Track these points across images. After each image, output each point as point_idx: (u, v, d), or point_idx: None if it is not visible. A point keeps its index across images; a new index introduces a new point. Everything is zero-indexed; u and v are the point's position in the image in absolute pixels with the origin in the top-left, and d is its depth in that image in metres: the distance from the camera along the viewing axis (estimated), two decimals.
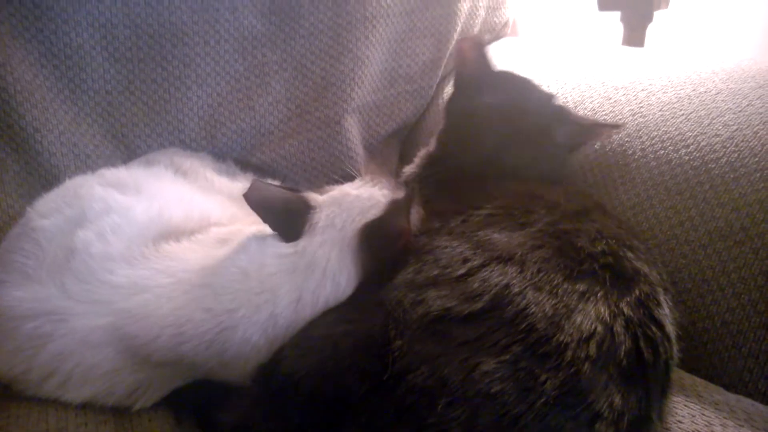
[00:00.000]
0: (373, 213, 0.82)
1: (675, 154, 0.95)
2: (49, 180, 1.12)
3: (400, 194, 0.86)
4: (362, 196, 0.85)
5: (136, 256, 0.81)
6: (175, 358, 0.77)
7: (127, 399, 0.79)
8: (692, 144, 0.95)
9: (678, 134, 0.97)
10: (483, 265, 0.67)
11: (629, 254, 0.71)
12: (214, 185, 1.09)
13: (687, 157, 0.94)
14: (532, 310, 0.61)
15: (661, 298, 0.70)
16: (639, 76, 1.11)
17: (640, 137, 1.00)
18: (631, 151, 1.00)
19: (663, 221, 0.93)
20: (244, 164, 1.26)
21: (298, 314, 0.76)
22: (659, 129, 0.99)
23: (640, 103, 1.05)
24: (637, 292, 0.67)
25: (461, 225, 0.76)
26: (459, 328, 0.62)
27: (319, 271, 0.78)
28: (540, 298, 0.63)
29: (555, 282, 0.64)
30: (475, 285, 0.65)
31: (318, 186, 1.01)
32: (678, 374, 0.80)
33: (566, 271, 0.66)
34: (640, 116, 1.03)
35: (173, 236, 0.86)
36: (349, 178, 1.35)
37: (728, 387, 0.81)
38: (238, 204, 1.05)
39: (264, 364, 0.73)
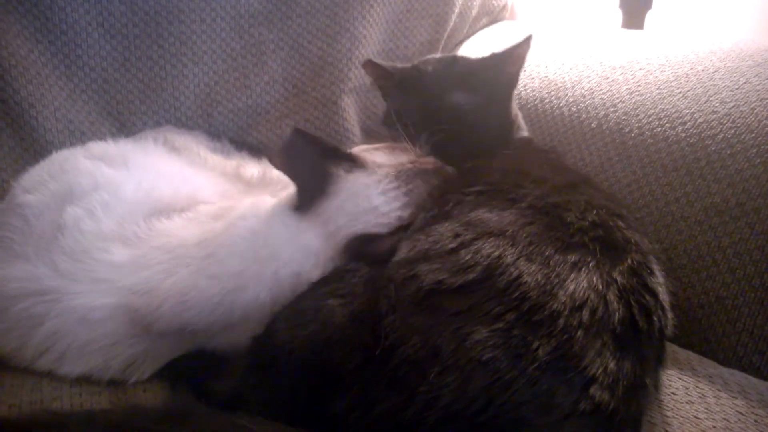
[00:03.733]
0: (377, 227, 0.80)
1: (672, 132, 0.95)
2: (44, 156, 1.10)
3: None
4: (379, 210, 0.80)
5: (129, 235, 0.81)
6: (179, 326, 0.77)
7: (123, 373, 0.79)
8: (689, 121, 0.94)
9: (675, 112, 0.96)
10: (475, 239, 0.66)
11: (620, 223, 0.71)
12: (207, 162, 1.08)
13: (684, 134, 0.94)
14: (525, 279, 0.61)
15: (654, 266, 0.70)
16: (637, 55, 1.11)
17: (638, 115, 1.00)
18: (627, 129, 1.00)
19: (659, 198, 0.93)
20: (239, 143, 1.25)
21: (299, 280, 0.76)
22: (656, 107, 0.99)
23: (637, 82, 1.04)
24: (629, 261, 0.66)
25: (455, 207, 0.76)
26: (451, 300, 0.62)
27: (312, 257, 0.78)
28: (532, 269, 0.62)
29: (546, 253, 0.64)
30: (468, 257, 0.64)
31: None
32: (672, 349, 0.80)
33: (557, 244, 0.65)
34: (638, 95, 1.02)
35: (164, 213, 0.85)
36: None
37: (722, 362, 0.82)
38: (232, 181, 1.05)
39: (257, 335, 0.72)
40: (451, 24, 1.42)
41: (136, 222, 0.83)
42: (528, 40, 0.96)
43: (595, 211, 0.71)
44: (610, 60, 1.13)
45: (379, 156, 0.88)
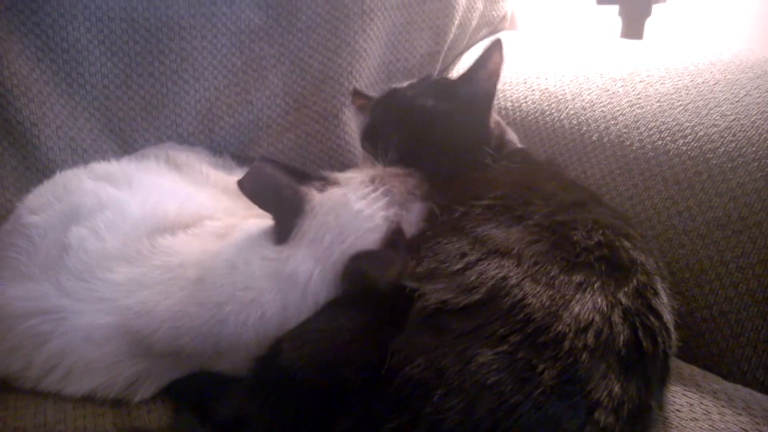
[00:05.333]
0: (371, 239, 0.78)
1: (673, 145, 0.95)
2: (46, 174, 1.11)
3: (414, 207, 0.83)
4: (363, 214, 0.79)
5: (132, 253, 0.81)
6: (175, 349, 0.77)
7: (127, 391, 0.79)
8: (690, 134, 0.94)
9: (676, 125, 0.97)
10: (480, 259, 0.67)
11: (626, 243, 0.71)
12: (210, 179, 1.08)
13: (685, 148, 0.94)
14: (530, 301, 0.61)
15: (659, 287, 0.70)
16: (637, 67, 1.11)
17: (638, 128, 1.00)
18: (628, 143, 1.00)
19: (661, 212, 0.93)
20: (241, 158, 1.26)
21: (286, 319, 0.75)
22: (657, 120, 0.99)
23: (638, 94, 1.05)
24: (634, 282, 0.66)
25: (462, 218, 0.76)
26: (456, 320, 0.62)
27: (299, 287, 0.76)
28: (537, 290, 0.62)
29: (552, 274, 0.64)
30: (473, 277, 0.65)
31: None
32: (676, 364, 0.80)
33: (563, 264, 0.66)
34: (638, 107, 1.03)
35: (168, 230, 0.86)
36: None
37: (726, 377, 0.82)
38: (234, 197, 1.05)
39: (261, 355, 0.72)
40: (451, 36, 1.43)
41: (140, 239, 0.83)
42: (496, 44, 0.93)
43: (601, 231, 0.72)
44: (610, 72, 1.13)
45: (350, 173, 0.88)
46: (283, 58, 1.30)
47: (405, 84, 1.02)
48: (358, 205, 0.80)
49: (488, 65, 0.94)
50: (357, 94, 1.10)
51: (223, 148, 1.27)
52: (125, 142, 1.20)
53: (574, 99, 1.12)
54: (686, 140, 0.94)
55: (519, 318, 0.61)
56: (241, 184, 0.80)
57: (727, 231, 0.86)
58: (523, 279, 0.64)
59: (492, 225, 0.72)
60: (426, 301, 0.65)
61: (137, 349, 0.78)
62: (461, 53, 1.50)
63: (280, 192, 0.81)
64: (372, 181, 0.84)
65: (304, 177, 0.84)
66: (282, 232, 0.80)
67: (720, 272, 0.86)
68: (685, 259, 0.89)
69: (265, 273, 0.77)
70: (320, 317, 0.73)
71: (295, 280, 0.76)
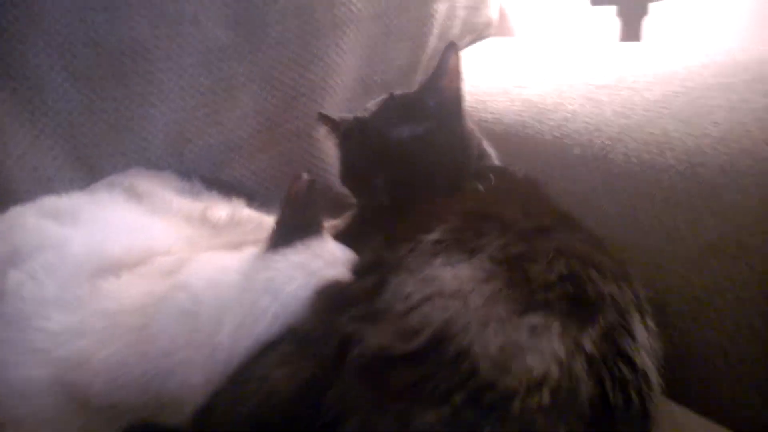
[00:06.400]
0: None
1: (660, 158, 0.87)
2: (10, 206, 1.07)
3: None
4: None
5: (71, 299, 0.76)
6: (112, 403, 0.71)
7: None
8: (679, 146, 0.86)
9: (663, 136, 0.88)
10: (424, 299, 0.60)
11: (593, 274, 0.63)
12: (172, 206, 1.03)
13: (673, 161, 0.86)
14: (475, 350, 0.54)
15: (636, 326, 0.62)
16: (625, 72, 1.03)
17: (623, 140, 0.92)
18: (612, 156, 0.92)
19: (648, 233, 0.85)
20: (211, 182, 1.20)
21: (237, 343, 0.69)
22: (643, 130, 0.91)
23: (623, 102, 0.97)
24: (601, 323, 0.59)
25: (409, 255, 0.69)
26: (396, 371, 0.56)
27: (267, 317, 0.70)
28: (485, 336, 0.55)
29: (503, 316, 0.57)
30: (415, 321, 0.58)
31: None
32: (669, 408, 0.71)
33: (516, 304, 0.58)
34: (624, 117, 0.95)
35: (113, 271, 0.80)
36: (326, 192, 1.30)
37: (729, 424, 0.72)
38: (197, 225, 1.00)
39: (199, 410, 0.66)
40: (432, 46, 1.36)
41: (80, 283, 0.78)
42: (450, 47, 0.89)
43: (564, 261, 0.64)
44: (595, 78, 1.05)
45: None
46: (253, 76, 1.24)
47: (367, 110, 0.95)
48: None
49: (448, 68, 0.89)
50: (323, 117, 1.06)
51: (193, 171, 1.21)
52: (92, 169, 1.16)
53: (556, 109, 1.04)
54: (674, 153, 0.86)
55: (463, 370, 0.53)
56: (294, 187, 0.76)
57: (722, 256, 0.77)
58: (469, 323, 0.56)
59: (439, 262, 0.65)
60: (364, 346, 0.58)
61: (75, 404, 0.72)
62: None
63: (312, 215, 0.78)
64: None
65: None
66: (280, 241, 0.75)
67: (717, 304, 0.77)
68: (678, 288, 0.80)
69: (234, 286, 0.72)
70: (260, 363, 0.66)
71: (267, 292, 0.71)
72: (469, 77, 0.93)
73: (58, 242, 0.82)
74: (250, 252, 0.77)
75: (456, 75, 0.91)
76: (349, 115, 0.99)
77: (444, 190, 0.85)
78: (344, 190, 1.02)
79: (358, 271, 0.72)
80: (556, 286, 0.61)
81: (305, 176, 0.76)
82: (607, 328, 0.59)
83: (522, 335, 0.56)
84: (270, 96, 1.26)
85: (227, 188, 1.21)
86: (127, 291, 0.78)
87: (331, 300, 0.68)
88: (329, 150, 1.29)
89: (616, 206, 0.89)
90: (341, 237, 0.92)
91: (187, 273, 0.78)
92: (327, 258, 0.75)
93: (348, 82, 1.30)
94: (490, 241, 0.67)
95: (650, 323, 0.66)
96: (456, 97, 0.92)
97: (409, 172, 0.86)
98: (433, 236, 0.71)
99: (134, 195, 1.03)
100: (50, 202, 0.93)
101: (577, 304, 0.60)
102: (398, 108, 0.92)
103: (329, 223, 1.12)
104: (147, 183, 1.08)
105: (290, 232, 0.75)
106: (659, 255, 0.83)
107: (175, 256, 0.86)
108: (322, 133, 1.28)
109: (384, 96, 0.94)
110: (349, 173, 0.95)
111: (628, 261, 0.72)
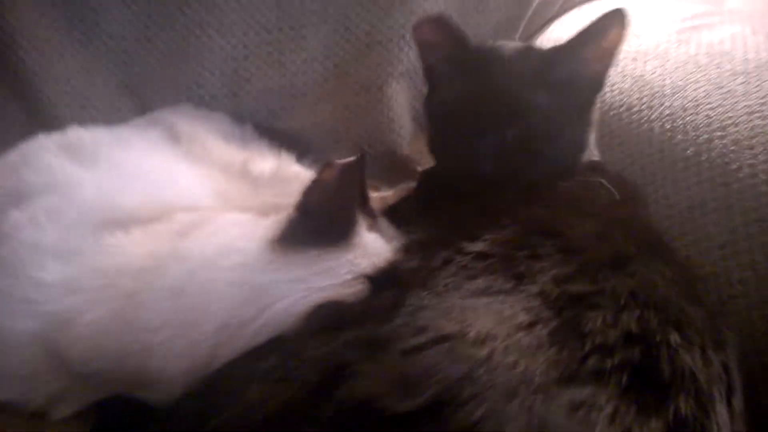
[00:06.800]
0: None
1: None
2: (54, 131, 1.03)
3: None
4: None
5: (69, 250, 0.69)
6: (90, 371, 0.65)
7: (47, 407, 0.68)
8: None
9: None
10: (439, 340, 0.46)
11: (673, 337, 0.47)
12: (212, 154, 0.94)
13: None
14: (488, 427, 0.40)
15: (716, 413, 0.46)
16: None
17: (753, 148, 0.71)
18: (735, 166, 0.71)
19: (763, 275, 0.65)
20: (265, 131, 1.10)
21: (222, 341, 0.60)
22: None
23: (763, 97, 0.75)
24: (670, 414, 0.43)
25: (442, 269, 0.55)
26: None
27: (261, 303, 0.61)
28: (507, 410, 0.41)
29: (537, 383, 0.43)
30: (419, 369, 0.44)
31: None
32: None
33: (559, 369, 0.43)
34: (760, 117, 0.73)
35: (123, 224, 0.72)
36: (389, 155, 1.17)
37: None
38: (235, 179, 0.91)
39: (168, 407, 0.58)
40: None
41: (83, 234, 0.70)
42: (615, 15, 0.69)
43: (638, 313, 0.48)
44: (732, 61, 0.83)
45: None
46: (326, 16, 1.10)
47: (504, 50, 0.76)
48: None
49: (601, 42, 0.71)
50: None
51: (249, 115, 1.12)
52: (141, 101, 1.09)
53: (674, 94, 0.84)
54: None
55: None
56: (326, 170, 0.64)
57: None
58: (489, 387, 0.42)
59: (475, 287, 0.51)
60: (353, 389, 0.46)
61: (55, 365, 0.66)
62: (551, 20, 1.22)
63: (347, 204, 0.65)
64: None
65: (364, 202, 0.70)
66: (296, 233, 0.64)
67: None
68: None
69: (232, 281, 0.62)
70: (235, 376, 0.56)
71: (260, 297, 0.61)
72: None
73: (68, 184, 0.75)
74: (262, 232, 0.66)
75: (610, 53, 0.72)
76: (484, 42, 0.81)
77: (540, 180, 0.69)
78: (418, 148, 0.86)
79: (376, 282, 0.59)
80: (619, 350, 0.45)
81: (338, 164, 0.63)
82: (677, 422, 0.43)
83: (558, 414, 0.41)
84: (342, 40, 1.12)
85: (281, 139, 1.10)
86: (131, 249, 0.70)
87: (331, 317, 0.55)
88: (400, 109, 1.15)
89: (729, 233, 0.69)
90: (390, 214, 0.79)
91: (193, 240, 0.69)
92: (341, 272, 0.62)
93: None
94: (547, 268, 0.52)
95: (737, 403, 0.49)
96: (599, 81, 0.75)
97: (526, 145, 0.70)
98: (477, 246, 0.56)
99: (173, 136, 0.94)
100: (75, 134, 0.85)
101: (643, 378, 0.44)
102: (536, 66, 0.73)
103: (379, 194, 0.99)
104: (191, 124, 0.98)
105: (308, 227, 0.64)
106: None
107: (196, 214, 0.76)
108: (395, 89, 1.14)
109: (519, 44, 0.77)
110: (451, 119, 0.74)
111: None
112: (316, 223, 0.64)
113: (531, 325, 0.47)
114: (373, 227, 0.69)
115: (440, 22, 0.77)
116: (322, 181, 0.64)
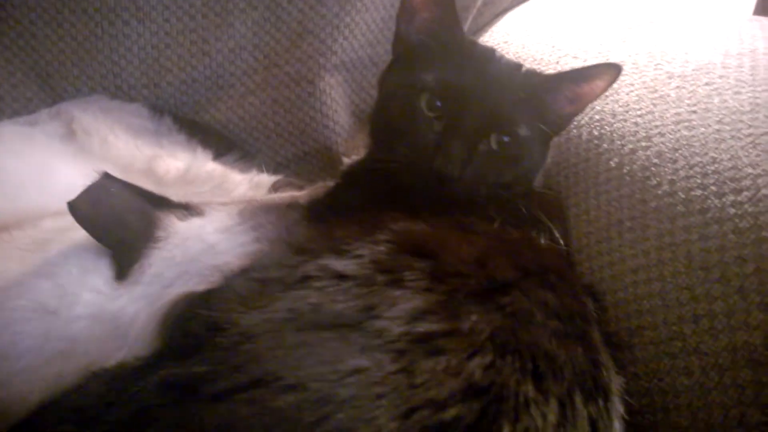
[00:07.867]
0: (211, 272, 0.59)
1: (729, 198, 0.59)
2: None
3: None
4: (216, 246, 0.61)
5: None
6: None
7: None
8: (749, 187, 0.57)
9: (731, 161, 0.59)
10: (248, 386, 0.40)
11: (527, 389, 0.41)
12: (112, 151, 0.87)
13: (747, 206, 0.57)
14: None
15: None
16: (713, 58, 0.72)
17: (676, 161, 0.64)
18: (655, 181, 0.63)
19: (684, 304, 0.58)
20: (188, 124, 1.03)
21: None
22: (705, 152, 0.62)
23: (696, 103, 0.67)
24: None
25: (296, 287, 0.49)
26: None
27: (119, 338, 0.57)
28: None
29: None
30: (219, 420, 0.38)
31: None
32: None
33: (376, 425, 0.37)
34: (687, 127, 0.66)
35: None
36: (324, 151, 1.10)
37: None
38: (135, 178, 0.84)
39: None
40: None
41: None
42: (611, 68, 0.67)
43: (490, 359, 0.42)
44: (672, 62, 0.75)
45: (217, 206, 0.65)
46: (255, 2, 1.03)
47: (499, 58, 0.71)
48: (213, 239, 0.62)
49: (588, 87, 0.67)
50: None
51: (170, 107, 1.05)
52: (54, 91, 1.01)
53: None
54: (739, 197, 0.57)
55: None
56: (74, 206, 0.60)
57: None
58: None
59: (319, 318, 0.45)
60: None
61: None
62: (504, 11, 1.14)
63: (125, 217, 0.62)
64: (241, 213, 0.66)
65: (161, 203, 0.66)
66: (122, 267, 0.60)
67: None
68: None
69: (88, 315, 0.58)
70: (52, 409, 0.49)
71: (116, 325, 0.57)
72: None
73: None
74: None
75: (587, 104, 0.70)
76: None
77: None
78: (355, 145, 0.80)
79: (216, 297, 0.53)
80: (454, 405, 0.38)
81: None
82: None
83: None
84: (272, 29, 1.04)
85: (204, 133, 1.04)
86: None
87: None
88: (334, 104, 1.07)
89: (643, 256, 0.61)
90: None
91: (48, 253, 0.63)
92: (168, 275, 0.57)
93: (372, 22, 1.05)
94: (404, 299, 0.45)
95: None
96: (568, 122, 0.72)
97: (492, 161, 0.66)
98: (341, 264, 0.50)
99: (69, 132, 0.88)
100: None
101: None
102: (525, 88, 0.67)
103: (290, 193, 0.92)
104: (95, 118, 0.92)
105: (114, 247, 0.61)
106: (690, 353, 0.56)
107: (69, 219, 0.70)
108: (329, 82, 1.06)
109: (511, 59, 0.73)
110: (423, 101, 0.65)
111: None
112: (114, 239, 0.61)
113: (357, 372, 0.40)
114: (193, 213, 0.66)
115: None
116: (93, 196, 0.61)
